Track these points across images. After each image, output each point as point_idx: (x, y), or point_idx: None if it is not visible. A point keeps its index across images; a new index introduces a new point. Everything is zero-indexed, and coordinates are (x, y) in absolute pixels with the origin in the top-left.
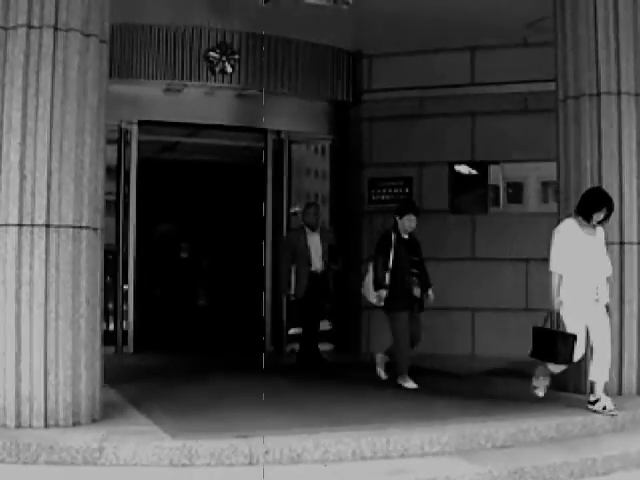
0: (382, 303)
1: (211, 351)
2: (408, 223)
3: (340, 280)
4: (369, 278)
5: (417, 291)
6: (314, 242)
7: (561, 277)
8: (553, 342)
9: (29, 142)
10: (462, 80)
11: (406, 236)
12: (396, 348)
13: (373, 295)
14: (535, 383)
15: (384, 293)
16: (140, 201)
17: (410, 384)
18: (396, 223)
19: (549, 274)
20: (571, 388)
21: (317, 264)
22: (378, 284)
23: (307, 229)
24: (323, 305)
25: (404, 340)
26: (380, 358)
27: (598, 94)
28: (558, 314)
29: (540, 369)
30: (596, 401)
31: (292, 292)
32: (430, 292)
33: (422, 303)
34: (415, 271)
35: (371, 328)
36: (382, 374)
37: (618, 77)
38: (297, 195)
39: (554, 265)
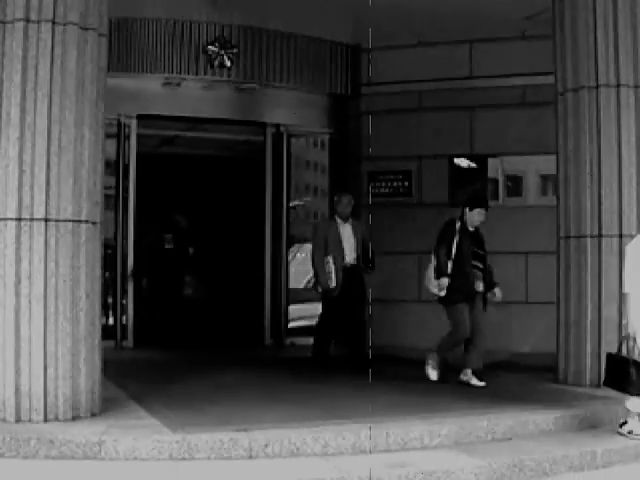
0: (443, 292)
1: (211, 345)
2: (478, 217)
3: None
4: (431, 268)
5: (479, 285)
6: (346, 233)
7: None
8: (626, 371)
9: (28, 136)
10: (461, 73)
11: (472, 229)
12: (449, 337)
13: (434, 284)
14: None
15: (446, 281)
16: (139, 195)
17: (433, 375)
18: (463, 214)
19: (548, 267)
20: (570, 381)
21: (350, 257)
22: (440, 272)
23: (338, 219)
24: (360, 302)
25: (462, 332)
26: (431, 356)
27: (597, 87)
28: (634, 339)
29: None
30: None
31: (334, 284)
32: (497, 290)
33: (486, 300)
34: (479, 265)
35: (371, 321)
36: (432, 374)
37: (617, 70)
38: (296, 189)
39: (630, 285)
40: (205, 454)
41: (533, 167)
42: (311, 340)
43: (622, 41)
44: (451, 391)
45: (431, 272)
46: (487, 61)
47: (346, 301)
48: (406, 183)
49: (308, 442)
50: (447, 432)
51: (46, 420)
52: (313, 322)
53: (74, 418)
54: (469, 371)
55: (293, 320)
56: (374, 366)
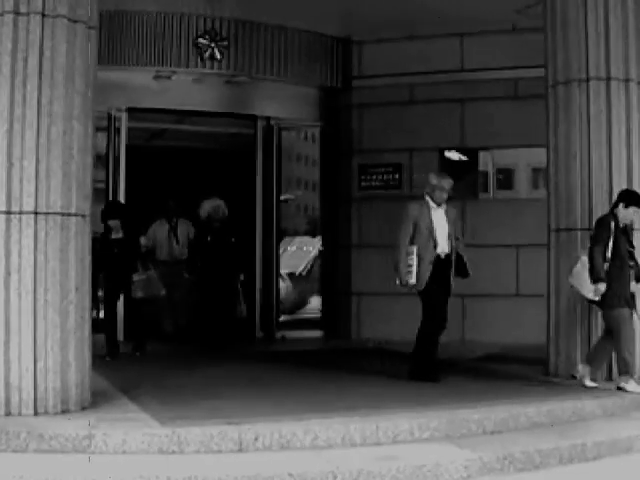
0: (598, 298)
1: (201, 338)
2: (633, 215)
3: (329, 265)
4: (580, 268)
5: (634, 286)
6: (439, 219)
7: None
8: None
9: (17, 129)
10: (452, 66)
11: (622, 225)
12: (619, 348)
13: (589, 289)
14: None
15: (603, 287)
16: (129, 188)
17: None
18: (613, 209)
19: (539, 260)
20: (561, 374)
21: (443, 246)
22: (596, 276)
23: (431, 202)
24: (446, 299)
25: (630, 339)
26: (583, 369)
27: (587, 80)
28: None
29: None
30: None
31: (413, 281)
32: None
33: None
34: (632, 264)
35: (361, 314)
36: (589, 383)
37: (607, 63)
38: (287, 182)
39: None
40: (195, 447)
41: (524, 160)
42: (304, 334)
43: (613, 34)
44: (443, 384)
45: (581, 273)
46: (478, 54)
47: (436, 296)
48: (396, 176)
49: (298, 435)
50: (437, 425)
51: (36, 414)
52: (304, 315)
53: (64, 412)
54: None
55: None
56: (357, 359)
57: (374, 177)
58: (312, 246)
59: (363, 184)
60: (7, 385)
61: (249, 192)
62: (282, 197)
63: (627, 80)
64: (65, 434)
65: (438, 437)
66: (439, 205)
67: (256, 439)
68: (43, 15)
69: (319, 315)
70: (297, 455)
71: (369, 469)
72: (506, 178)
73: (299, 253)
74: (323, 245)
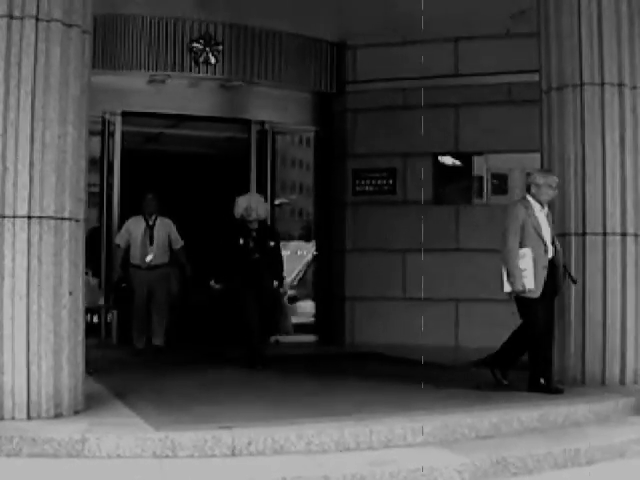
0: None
1: (194, 342)
2: None
3: (323, 269)
4: None
5: None
6: (543, 221)
7: None
8: None
9: (10, 133)
10: (446, 71)
11: None
12: None
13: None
14: None
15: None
16: (124, 192)
17: None
18: None
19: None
20: (554, 378)
21: (550, 250)
22: None
23: (533, 203)
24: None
25: None
26: None
27: (581, 85)
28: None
29: None
30: None
31: (532, 285)
32: None
33: None
34: None
35: (355, 319)
36: None
37: (601, 68)
38: (281, 186)
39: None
40: (188, 452)
41: (518, 165)
42: (298, 338)
43: (607, 39)
44: (431, 388)
45: None
46: (472, 59)
47: (546, 304)
48: (390, 181)
49: (291, 440)
50: (431, 429)
51: (29, 418)
52: (298, 320)
53: (57, 416)
54: None
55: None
56: (351, 363)
57: (368, 182)
58: (306, 250)
59: (357, 189)
60: (0, 389)
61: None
62: (276, 201)
63: (621, 85)
64: (58, 438)
65: (432, 442)
66: (542, 207)
67: (249, 444)
68: (37, 19)
69: (313, 320)
70: (290, 460)
71: (362, 473)
72: (500, 183)
73: (293, 257)
74: (317, 250)
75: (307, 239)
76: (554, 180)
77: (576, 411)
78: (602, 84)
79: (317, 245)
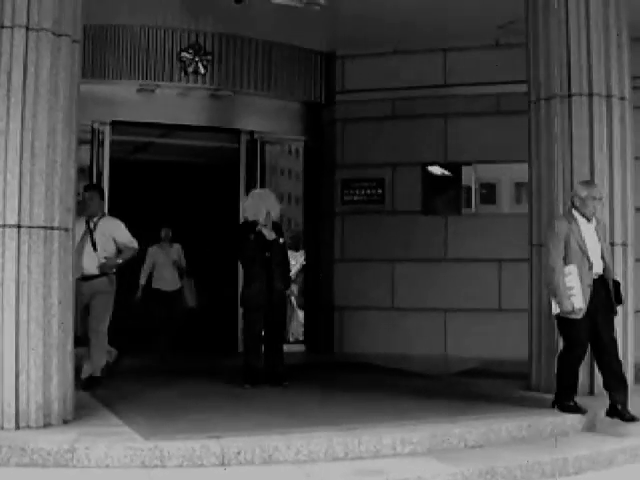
0: None
1: (185, 352)
2: None
3: (312, 279)
4: None
5: None
6: (590, 236)
7: None
8: None
9: (0, 143)
10: (434, 81)
11: None
12: None
13: None
14: None
15: None
16: (113, 202)
17: None
18: None
19: (521, 274)
20: (543, 388)
21: (597, 266)
22: None
23: (579, 217)
24: (610, 324)
25: None
26: None
27: (569, 96)
28: None
29: None
30: None
31: (580, 304)
32: None
33: None
34: None
35: (344, 328)
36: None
37: (589, 79)
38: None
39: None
40: (177, 461)
41: (507, 175)
42: (286, 348)
43: (595, 50)
44: (420, 397)
45: None
46: (461, 69)
47: (593, 323)
48: (379, 191)
49: (280, 449)
50: (419, 439)
51: (18, 427)
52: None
53: (46, 425)
54: None
55: None
56: (339, 373)
57: (357, 192)
58: (295, 260)
59: (346, 199)
60: None
61: (232, 206)
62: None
63: (609, 96)
64: (47, 448)
65: (420, 451)
66: (589, 220)
67: (238, 453)
68: (27, 29)
69: (302, 329)
70: (279, 469)
71: None
72: (489, 193)
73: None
74: (306, 259)
75: (296, 249)
76: (598, 191)
77: (564, 421)
78: (590, 95)
79: (306, 255)
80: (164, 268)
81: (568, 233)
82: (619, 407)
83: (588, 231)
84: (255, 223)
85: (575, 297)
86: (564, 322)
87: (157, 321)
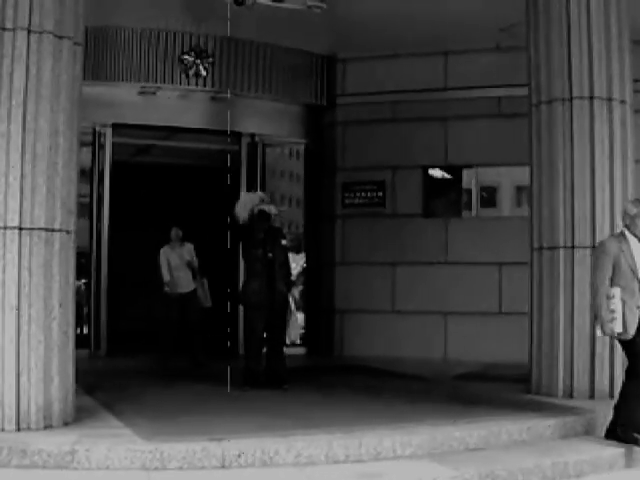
0: None
1: (185, 355)
2: None
3: (312, 282)
4: None
5: None
6: None
7: None
8: None
9: (1, 145)
10: (435, 84)
11: None
12: None
13: None
14: None
15: None
16: (114, 203)
17: None
18: None
19: (522, 278)
20: (543, 391)
21: None
22: None
23: (630, 237)
24: None
25: None
26: None
27: (570, 99)
28: None
29: None
30: None
31: (619, 329)
32: None
33: None
34: None
35: (344, 331)
36: None
37: (590, 82)
38: (271, 198)
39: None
40: (178, 464)
41: (507, 178)
42: (287, 350)
43: (596, 54)
44: (420, 400)
45: None
46: (461, 72)
47: None
48: (380, 194)
49: (281, 452)
50: (420, 442)
51: (18, 429)
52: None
53: (46, 427)
54: None
55: None
56: (339, 376)
57: (358, 194)
58: (296, 263)
59: (347, 201)
60: None
61: (233, 209)
62: None
63: (610, 99)
64: (48, 450)
65: (420, 454)
66: None
67: (239, 456)
68: (29, 31)
69: (302, 332)
70: (279, 472)
71: None
72: (489, 196)
73: None
74: (307, 262)
75: (297, 251)
76: None
77: (564, 424)
78: (591, 98)
79: (307, 257)
80: (178, 269)
81: (618, 253)
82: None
83: (638, 250)
84: (262, 215)
85: (616, 321)
86: (622, 343)
87: (172, 324)
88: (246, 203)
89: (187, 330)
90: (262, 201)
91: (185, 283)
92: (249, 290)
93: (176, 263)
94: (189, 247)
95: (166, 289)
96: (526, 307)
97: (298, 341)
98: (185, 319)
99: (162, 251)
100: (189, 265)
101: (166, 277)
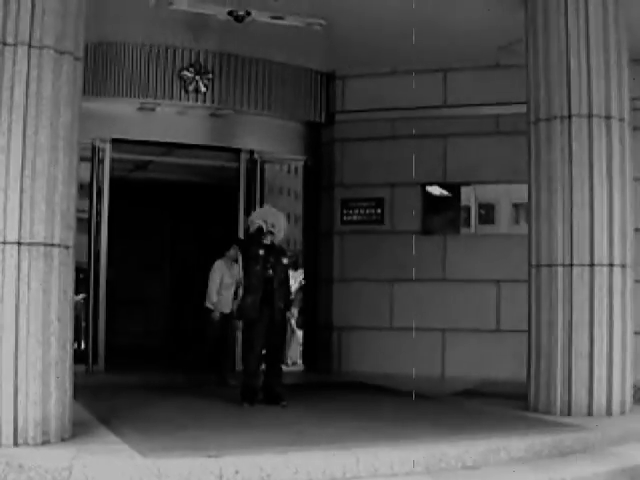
0: None
1: (182, 369)
2: None
3: (311, 298)
4: None
5: None
6: None
7: None
8: None
9: (1, 159)
10: (434, 102)
11: None
12: None
13: None
14: None
15: None
16: (112, 219)
17: None
18: None
19: (520, 295)
20: (541, 408)
21: None
22: None
23: None
24: None
25: None
26: None
27: (569, 117)
28: None
29: None
30: None
31: None
32: None
33: None
34: None
35: (342, 348)
36: None
37: (589, 100)
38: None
39: None
40: None
41: (506, 195)
42: (284, 367)
43: (594, 72)
44: (418, 418)
45: None
46: (460, 90)
47: None
48: (378, 210)
49: (279, 468)
50: (417, 459)
51: (16, 444)
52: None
53: (44, 443)
54: None
55: None
56: (337, 391)
57: (356, 211)
58: (294, 279)
59: (345, 218)
60: None
61: (232, 225)
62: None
63: (608, 117)
64: (45, 465)
65: (418, 471)
66: None
67: (237, 472)
68: (30, 46)
69: (301, 348)
70: None
71: None
72: (488, 213)
73: None
74: (305, 278)
75: (295, 268)
76: None
77: (562, 441)
78: (590, 116)
79: (305, 274)
80: (227, 289)
81: None
82: None
83: None
84: (260, 232)
85: None
86: None
87: (210, 342)
88: (262, 214)
89: (221, 349)
90: (271, 225)
91: (227, 303)
92: (244, 305)
93: (227, 282)
94: (237, 267)
95: (209, 306)
96: (524, 324)
97: (299, 360)
98: (223, 338)
99: (217, 266)
100: (237, 285)
101: (214, 298)
